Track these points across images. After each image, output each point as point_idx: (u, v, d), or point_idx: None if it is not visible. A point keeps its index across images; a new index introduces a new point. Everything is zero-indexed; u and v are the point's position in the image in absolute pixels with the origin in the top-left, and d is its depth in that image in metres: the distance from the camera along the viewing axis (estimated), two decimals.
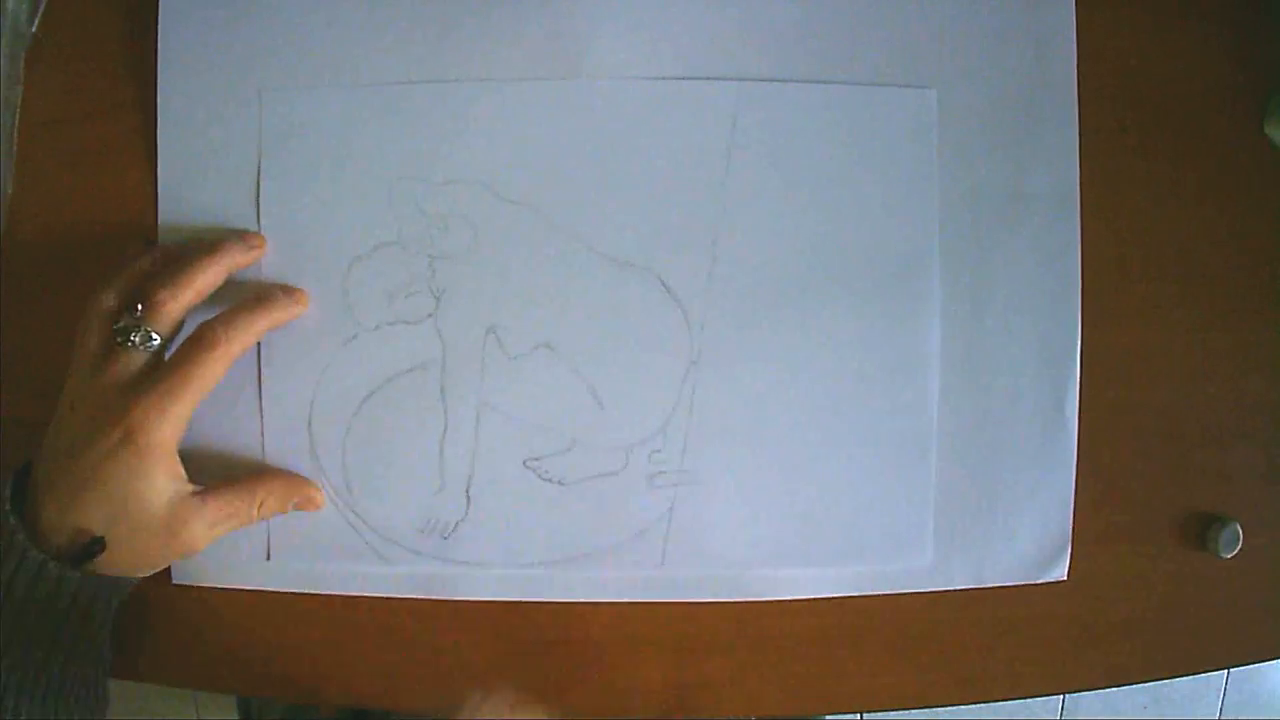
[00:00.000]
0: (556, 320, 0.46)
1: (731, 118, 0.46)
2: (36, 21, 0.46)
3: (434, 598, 0.47)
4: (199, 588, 0.47)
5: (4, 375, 0.47)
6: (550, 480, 0.46)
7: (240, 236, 0.45)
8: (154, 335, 0.41)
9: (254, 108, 0.45)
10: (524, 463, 0.46)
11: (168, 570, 0.47)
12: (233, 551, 0.47)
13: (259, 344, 0.46)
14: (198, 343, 0.42)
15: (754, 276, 0.46)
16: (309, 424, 0.46)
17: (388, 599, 0.47)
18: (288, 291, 0.45)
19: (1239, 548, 0.48)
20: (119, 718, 0.46)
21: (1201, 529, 0.48)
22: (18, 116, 0.46)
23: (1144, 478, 0.48)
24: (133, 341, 0.41)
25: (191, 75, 0.46)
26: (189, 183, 0.46)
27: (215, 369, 0.42)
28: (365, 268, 0.46)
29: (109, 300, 0.42)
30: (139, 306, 0.41)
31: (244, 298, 0.44)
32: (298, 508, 0.46)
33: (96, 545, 0.41)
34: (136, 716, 1.05)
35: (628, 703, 0.48)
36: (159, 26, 0.45)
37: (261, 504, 0.44)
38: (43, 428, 0.43)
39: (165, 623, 0.47)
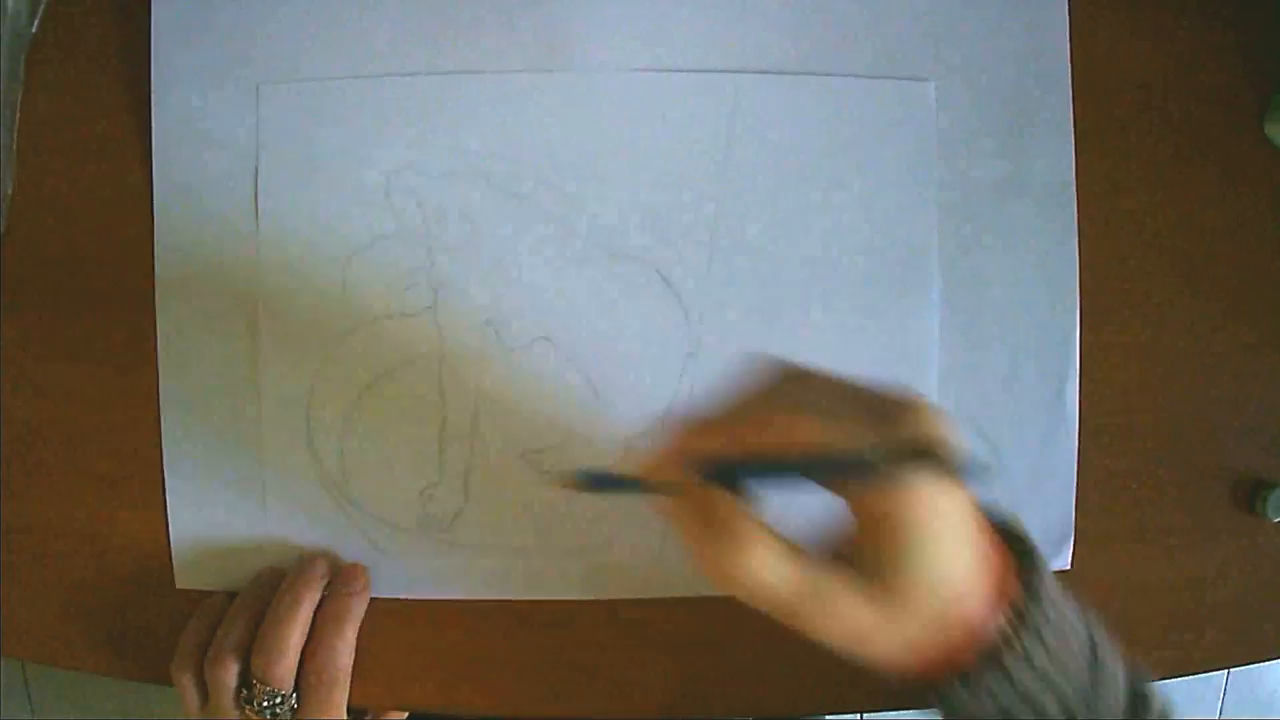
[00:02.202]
0: (554, 313, 0.46)
1: (730, 110, 0.46)
2: (36, 21, 0.46)
3: (434, 597, 0.47)
4: (200, 589, 0.47)
5: (4, 376, 0.47)
6: (549, 472, 0.46)
7: (310, 568, 0.45)
8: (283, 697, 0.43)
9: (251, 102, 0.46)
10: (522, 454, 0.46)
11: (170, 573, 0.47)
12: (230, 548, 0.47)
13: (257, 338, 0.46)
14: (319, 687, 0.44)
15: (752, 270, 0.46)
16: (307, 417, 0.46)
17: (387, 599, 0.47)
18: (349, 579, 0.46)
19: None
20: (119, 718, 0.46)
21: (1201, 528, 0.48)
22: (18, 116, 0.46)
23: (1144, 477, 0.48)
24: (266, 706, 0.43)
25: (187, 71, 0.46)
26: (187, 179, 0.46)
27: (343, 695, 0.45)
28: (363, 260, 0.46)
29: (222, 676, 0.43)
30: (258, 685, 0.43)
31: (322, 609, 0.45)
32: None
33: None
34: (137, 716, 1.05)
35: (628, 703, 0.48)
36: (152, 20, 0.45)
37: None
38: (41, 430, 0.43)
39: (165, 623, 0.47)
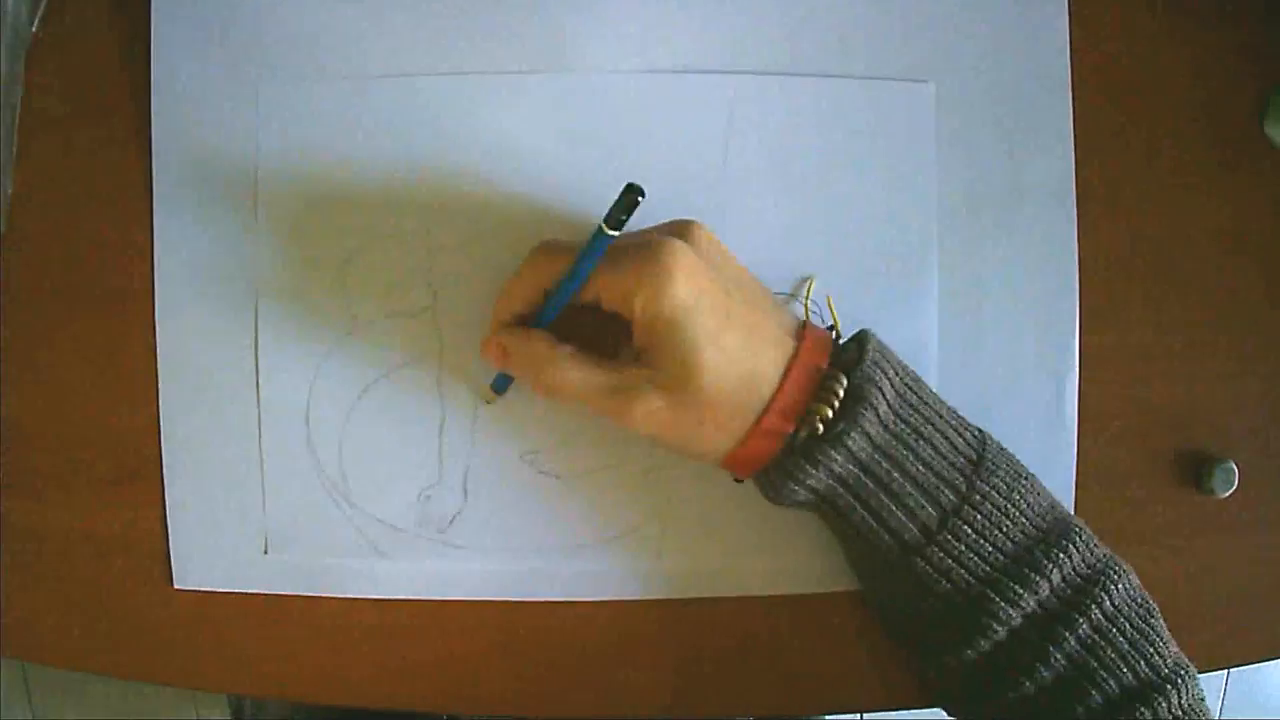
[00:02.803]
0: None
1: (728, 111, 0.46)
2: (36, 21, 0.46)
3: (433, 598, 0.47)
4: (199, 589, 0.47)
5: (4, 375, 0.47)
6: (548, 473, 0.46)
7: None
8: None
9: (251, 101, 0.46)
10: (521, 456, 0.46)
11: (168, 572, 0.47)
12: (230, 548, 0.47)
13: (257, 338, 0.46)
14: None
15: (751, 270, 0.46)
16: (306, 417, 0.46)
17: (387, 599, 0.47)
18: None
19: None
20: (119, 718, 0.46)
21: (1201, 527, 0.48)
22: (17, 116, 0.46)
23: (1143, 476, 0.48)
24: None
25: (187, 72, 0.46)
26: (187, 179, 0.46)
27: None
28: (363, 261, 0.46)
29: None
30: None
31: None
32: None
33: None
34: (136, 716, 1.05)
35: (628, 703, 0.48)
36: (152, 20, 0.45)
37: None
38: (43, 428, 0.43)
39: (165, 623, 0.47)
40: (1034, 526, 0.40)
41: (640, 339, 0.39)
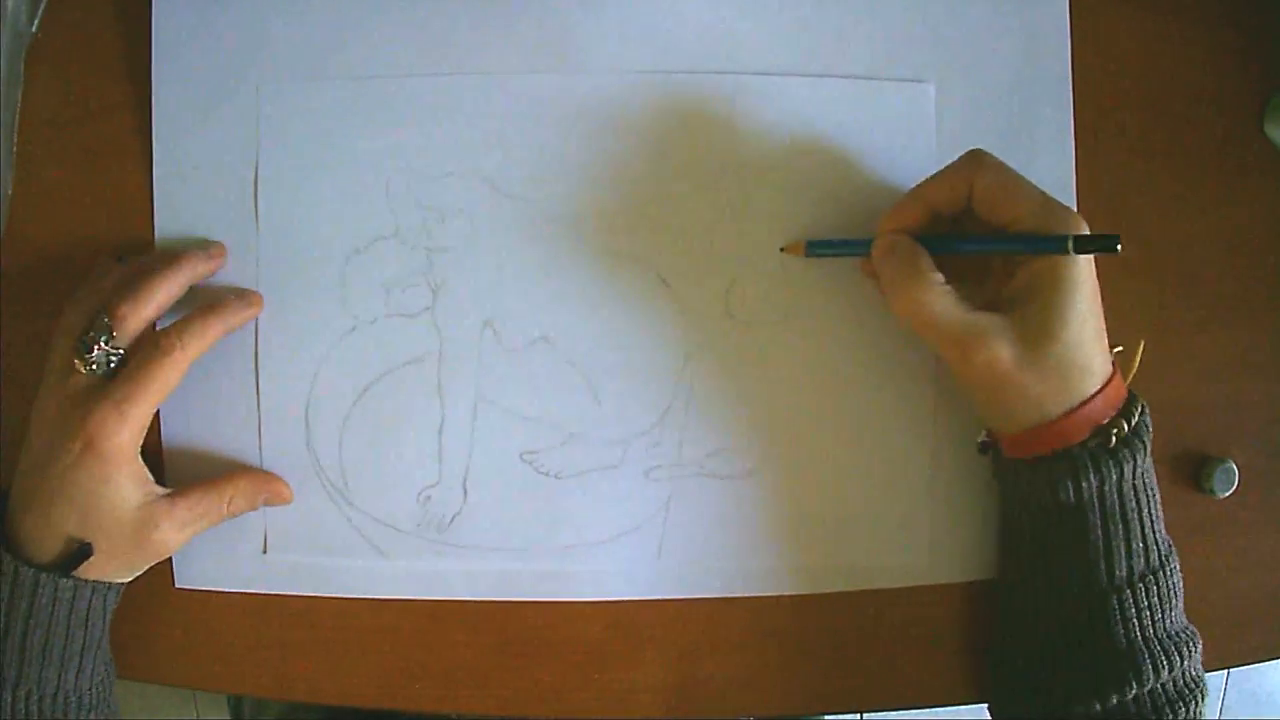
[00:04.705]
0: (553, 314, 0.46)
1: (729, 111, 0.46)
2: (36, 21, 0.46)
3: (433, 598, 0.47)
4: (199, 589, 0.47)
5: (4, 375, 0.47)
6: (547, 474, 0.46)
7: (202, 246, 0.45)
8: (116, 349, 0.42)
9: (252, 102, 0.46)
10: (521, 456, 0.46)
11: (169, 573, 0.47)
12: (230, 548, 0.47)
13: (256, 338, 0.46)
14: (153, 349, 0.42)
15: (750, 272, 0.46)
16: (306, 417, 0.46)
17: (387, 599, 0.47)
18: (241, 295, 0.45)
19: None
20: (119, 718, 0.46)
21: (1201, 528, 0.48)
22: (18, 116, 0.46)
23: None
24: (93, 355, 0.41)
25: (188, 70, 0.46)
26: (187, 179, 0.46)
27: (170, 374, 0.42)
28: (363, 261, 0.46)
29: (74, 317, 0.43)
30: (104, 321, 0.42)
31: (198, 304, 0.44)
32: (266, 503, 0.46)
33: (85, 550, 0.41)
34: (136, 717, 1.05)
35: (628, 703, 0.48)
36: (152, 20, 0.45)
37: (230, 501, 0.45)
38: None
39: (165, 623, 0.47)
40: (1183, 617, 0.44)
41: (1022, 283, 0.41)
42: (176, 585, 0.47)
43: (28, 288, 0.47)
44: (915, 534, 0.47)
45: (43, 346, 0.44)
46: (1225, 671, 1.22)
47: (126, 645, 0.47)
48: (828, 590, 0.47)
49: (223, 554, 0.47)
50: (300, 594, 0.47)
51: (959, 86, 0.46)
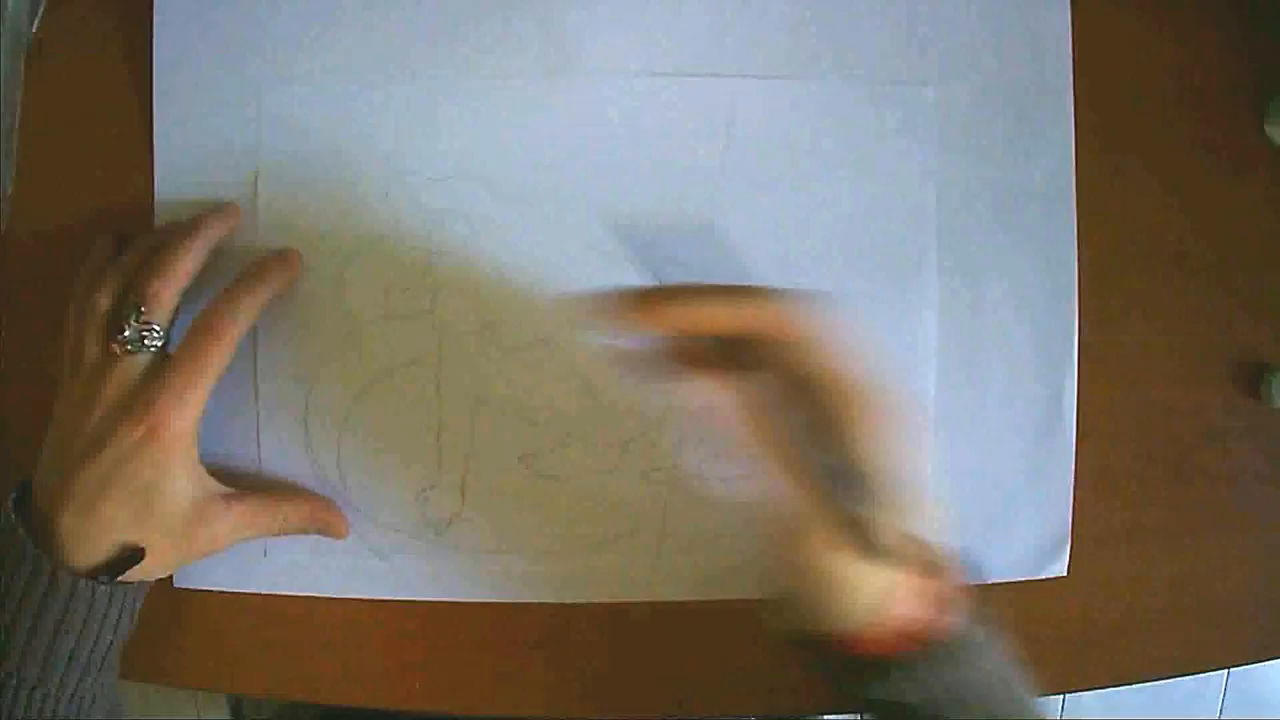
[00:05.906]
0: (552, 316, 0.46)
1: (728, 115, 0.46)
2: (36, 22, 0.46)
3: (432, 598, 0.47)
4: (199, 589, 0.47)
5: (4, 375, 0.47)
6: (546, 475, 0.46)
7: (216, 207, 0.44)
8: (157, 329, 0.41)
9: (252, 104, 0.46)
10: (519, 458, 0.46)
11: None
12: (231, 549, 0.47)
13: (256, 339, 0.46)
14: (206, 331, 0.41)
15: (750, 273, 0.46)
16: (305, 419, 0.46)
17: (386, 600, 0.47)
18: (279, 258, 0.44)
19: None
20: (119, 718, 0.46)
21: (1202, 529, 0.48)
22: (18, 116, 0.46)
23: (1142, 477, 0.48)
24: (126, 334, 0.40)
25: (189, 73, 0.46)
26: (187, 179, 0.46)
27: (225, 353, 0.41)
28: (362, 262, 0.46)
29: (103, 301, 0.41)
30: (132, 298, 0.41)
31: (240, 274, 0.43)
32: (319, 532, 0.45)
33: (135, 556, 0.40)
34: (136, 716, 1.05)
35: (627, 703, 0.48)
36: (154, 24, 0.45)
37: (285, 518, 0.44)
38: (42, 428, 0.43)
39: (165, 623, 0.47)
40: None
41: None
42: (176, 585, 0.47)
43: (28, 288, 0.47)
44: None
45: (42, 346, 0.44)
46: (1225, 671, 1.22)
47: (126, 645, 0.47)
48: None
49: (223, 554, 0.47)
50: (300, 594, 0.47)
51: (959, 88, 0.46)
